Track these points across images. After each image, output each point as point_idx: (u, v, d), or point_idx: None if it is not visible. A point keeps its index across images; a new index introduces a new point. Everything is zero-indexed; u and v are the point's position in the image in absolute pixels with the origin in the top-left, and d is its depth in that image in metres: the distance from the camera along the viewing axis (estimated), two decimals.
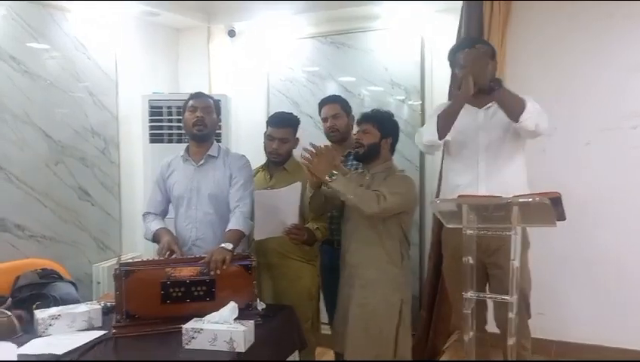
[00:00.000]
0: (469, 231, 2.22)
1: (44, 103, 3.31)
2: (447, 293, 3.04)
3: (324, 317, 3.15)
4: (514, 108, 2.42)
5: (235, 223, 2.57)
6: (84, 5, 3.49)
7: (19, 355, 2.00)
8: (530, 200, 2.10)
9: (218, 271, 2.28)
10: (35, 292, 2.70)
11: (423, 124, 3.75)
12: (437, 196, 3.25)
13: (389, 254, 2.64)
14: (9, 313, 2.37)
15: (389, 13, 3.80)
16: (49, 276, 2.85)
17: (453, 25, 3.43)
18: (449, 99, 3.18)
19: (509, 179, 2.56)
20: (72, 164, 3.49)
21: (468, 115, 2.66)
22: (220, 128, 3.21)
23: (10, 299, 2.59)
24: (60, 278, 2.89)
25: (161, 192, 2.79)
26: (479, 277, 2.43)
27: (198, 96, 2.77)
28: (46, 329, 2.21)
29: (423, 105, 3.78)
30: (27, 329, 2.27)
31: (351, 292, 2.69)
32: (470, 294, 2.23)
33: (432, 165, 3.70)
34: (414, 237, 3.77)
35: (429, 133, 2.61)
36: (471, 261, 2.22)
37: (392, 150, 2.78)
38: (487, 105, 2.63)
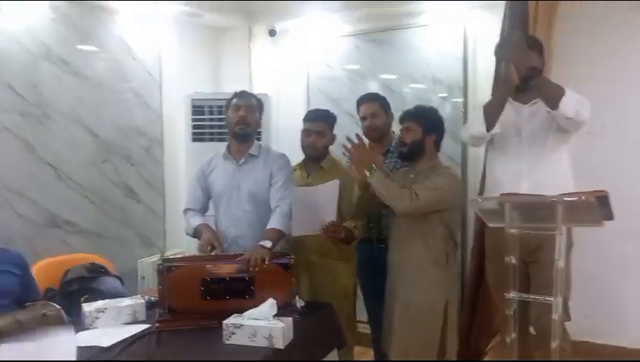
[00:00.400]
0: (511, 231, 2.17)
1: (92, 103, 3.42)
2: (490, 293, 2.98)
3: (363, 316, 3.14)
4: (553, 94, 2.37)
5: (274, 222, 2.59)
6: (130, 6, 3.58)
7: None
8: (575, 199, 2.04)
9: (257, 269, 2.30)
10: (83, 286, 2.79)
11: (465, 121, 3.69)
12: (480, 194, 3.20)
13: (431, 253, 2.60)
14: (58, 306, 2.47)
15: (430, 9, 3.75)
16: (96, 270, 2.94)
17: (496, 19, 3.35)
18: (492, 95, 3.12)
19: (553, 176, 2.50)
20: (118, 162, 3.60)
21: (513, 111, 2.61)
22: (260, 127, 3.24)
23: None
24: (107, 273, 2.98)
25: (201, 188, 2.83)
26: (522, 277, 2.37)
27: (242, 95, 2.78)
28: (93, 321, 2.28)
29: (465, 102, 3.72)
30: (75, 322, 2.36)
31: (395, 291, 2.67)
32: (512, 295, 2.18)
33: (475, 163, 3.63)
34: (456, 236, 3.71)
35: (476, 125, 2.58)
36: (513, 261, 2.17)
37: (438, 147, 2.74)
38: (533, 102, 2.58)
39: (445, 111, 3.74)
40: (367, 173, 2.54)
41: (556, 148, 2.53)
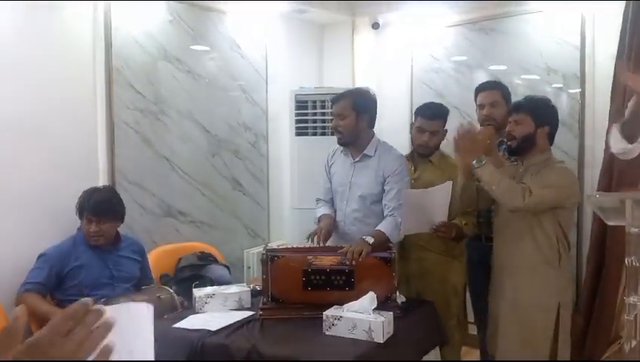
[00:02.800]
0: (633, 230, 1.98)
1: (203, 101, 3.59)
2: (608, 298, 2.76)
3: (470, 315, 3.04)
4: None
5: (384, 226, 2.54)
6: (239, 6, 3.71)
7: (179, 329, 2.21)
8: None
9: (354, 262, 2.30)
10: (194, 273, 2.97)
11: (582, 113, 3.47)
12: (598, 190, 2.97)
13: (543, 253, 2.45)
14: (171, 290, 2.64)
15: None
16: (206, 259, 3.12)
17: (617, 5, 3.09)
18: (612, 86, 2.89)
19: None
20: (227, 156, 3.75)
21: None
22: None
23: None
24: (216, 261, 3.15)
25: (328, 179, 2.84)
26: None
27: (334, 101, 2.72)
28: (202, 306, 2.41)
29: (583, 93, 3.47)
30: (186, 306, 2.51)
31: (502, 292, 2.55)
32: (633, 299, 2.00)
33: (592, 157, 3.38)
34: (571, 236, 3.48)
35: (615, 142, 2.29)
36: (635, 263, 1.99)
37: (551, 139, 2.56)
38: None
39: (561, 103, 3.52)
40: (475, 163, 2.42)
41: None
